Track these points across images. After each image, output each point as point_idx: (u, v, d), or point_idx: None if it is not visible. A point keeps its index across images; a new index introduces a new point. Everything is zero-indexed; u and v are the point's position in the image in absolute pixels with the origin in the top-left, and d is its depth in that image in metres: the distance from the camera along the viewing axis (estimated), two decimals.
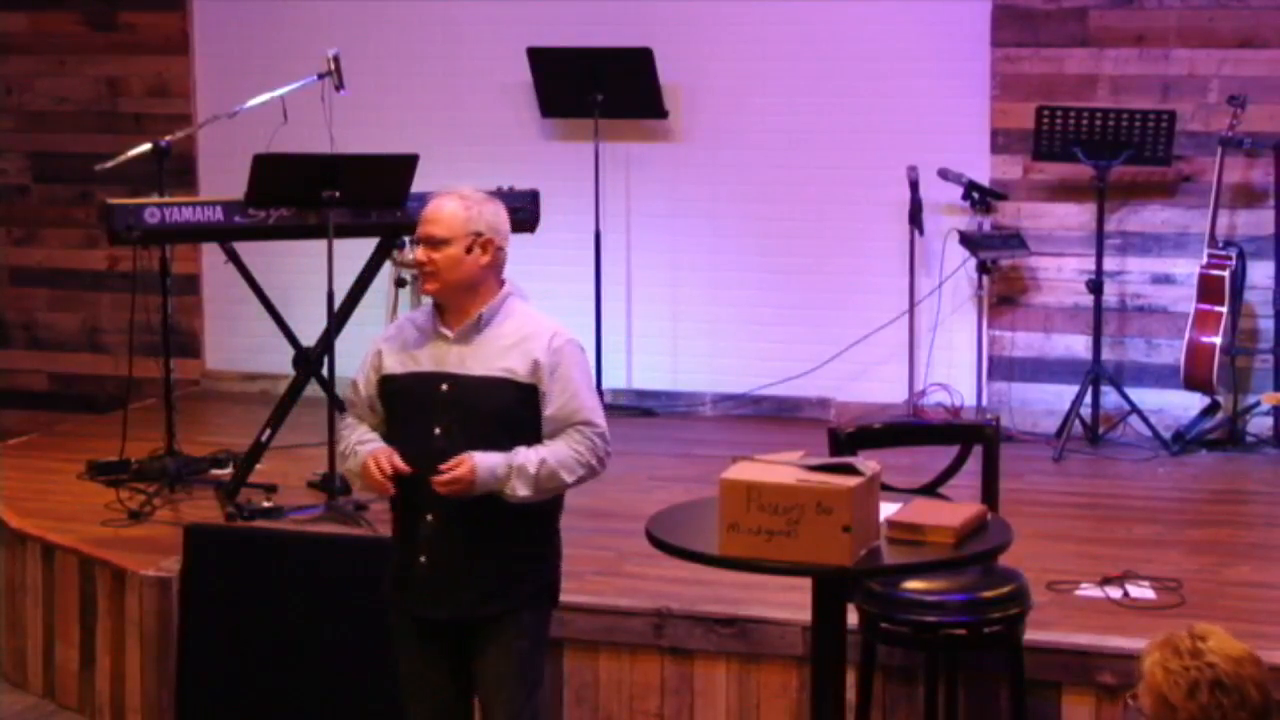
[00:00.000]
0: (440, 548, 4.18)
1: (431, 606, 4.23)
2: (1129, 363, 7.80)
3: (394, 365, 4.26)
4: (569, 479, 4.14)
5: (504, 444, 4.11)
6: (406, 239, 6.83)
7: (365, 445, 4.22)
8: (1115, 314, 7.78)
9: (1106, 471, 7.24)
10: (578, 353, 4.23)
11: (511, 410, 4.15)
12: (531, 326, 4.22)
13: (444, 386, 4.17)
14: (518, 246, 7.32)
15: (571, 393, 4.16)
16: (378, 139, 7.48)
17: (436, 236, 4.22)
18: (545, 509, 4.24)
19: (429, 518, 4.17)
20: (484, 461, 4.06)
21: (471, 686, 4.32)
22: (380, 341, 4.34)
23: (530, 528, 4.23)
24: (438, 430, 4.15)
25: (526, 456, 4.10)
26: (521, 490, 4.09)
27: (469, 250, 4.20)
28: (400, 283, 7.96)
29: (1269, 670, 3.03)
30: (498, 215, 4.28)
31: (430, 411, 4.17)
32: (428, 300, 4.34)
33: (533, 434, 4.16)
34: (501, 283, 4.29)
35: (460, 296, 4.22)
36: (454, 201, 4.25)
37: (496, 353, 4.18)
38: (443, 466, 4.06)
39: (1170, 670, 2.97)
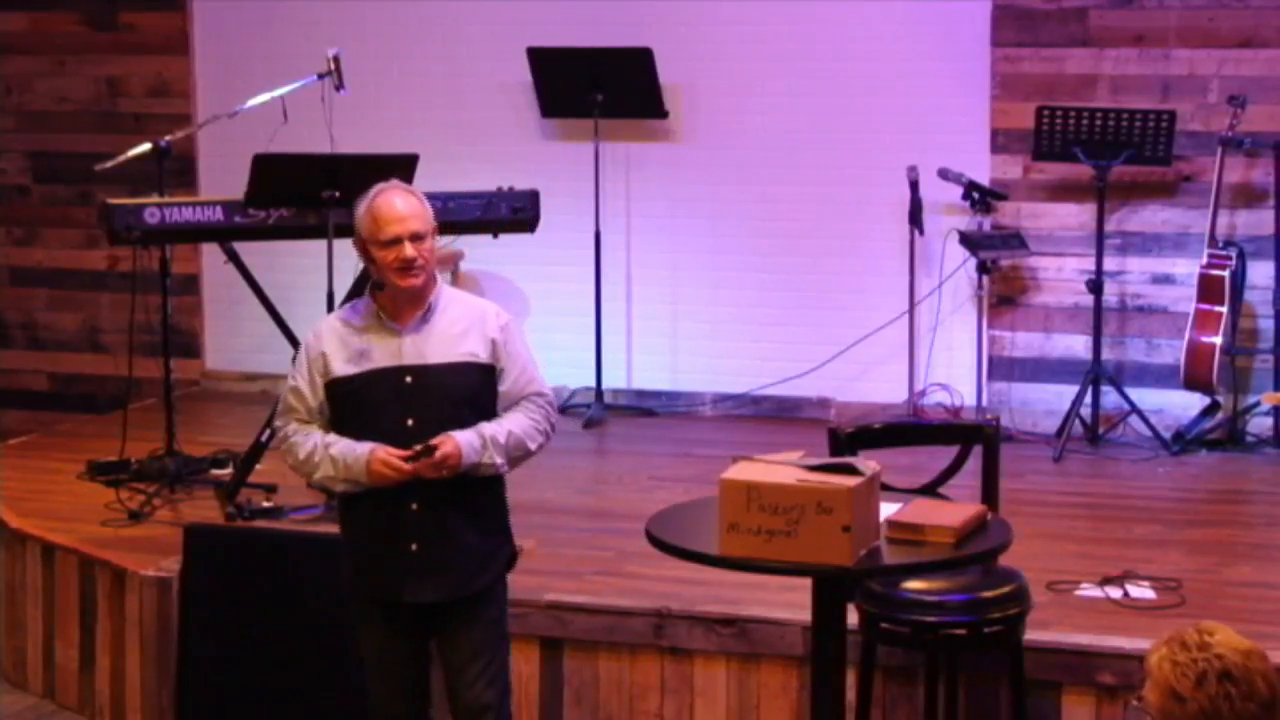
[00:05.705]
0: (431, 532, 4.29)
1: (420, 591, 4.32)
2: (1129, 363, 7.80)
3: (343, 368, 4.32)
4: (533, 446, 4.35)
5: (471, 424, 4.26)
6: None
7: (334, 447, 4.29)
8: (1115, 314, 7.78)
9: (1106, 471, 7.23)
10: (518, 327, 4.44)
11: (477, 391, 4.31)
12: (475, 309, 4.39)
13: (408, 379, 4.27)
14: (519, 247, 7.42)
15: (521, 367, 4.36)
16: (378, 139, 7.46)
17: (420, 231, 4.32)
18: (500, 481, 4.40)
19: (414, 506, 4.27)
20: (462, 438, 4.23)
21: (428, 663, 4.46)
22: (317, 346, 4.38)
23: (495, 501, 4.40)
24: (410, 421, 4.26)
25: (495, 429, 4.27)
26: (498, 459, 4.26)
27: (434, 240, 4.38)
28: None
29: (1273, 668, 3.04)
30: None
31: (399, 404, 4.27)
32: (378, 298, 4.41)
33: (494, 411, 4.33)
34: None
35: (427, 288, 4.34)
36: (415, 195, 4.40)
37: (452, 339, 4.31)
38: (427, 445, 4.17)
39: (1178, 663, 2.98)
